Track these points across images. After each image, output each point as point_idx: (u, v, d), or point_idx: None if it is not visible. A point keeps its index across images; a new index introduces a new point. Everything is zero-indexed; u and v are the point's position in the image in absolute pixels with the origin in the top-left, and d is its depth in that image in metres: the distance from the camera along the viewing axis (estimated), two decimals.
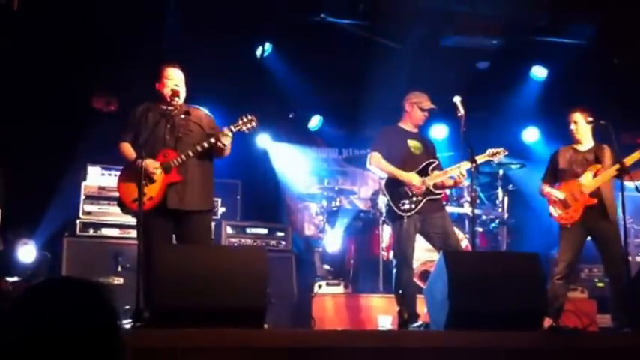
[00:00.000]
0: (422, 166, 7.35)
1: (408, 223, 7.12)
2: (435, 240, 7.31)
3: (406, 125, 7.57)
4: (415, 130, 7.59)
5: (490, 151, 7.52)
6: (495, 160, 7.62)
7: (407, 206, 7.16)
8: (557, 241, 7.49)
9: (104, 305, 2.06)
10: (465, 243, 8.69)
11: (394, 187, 7.27)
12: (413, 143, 7.47)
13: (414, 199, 7.16)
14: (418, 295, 7.20)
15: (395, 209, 7.18)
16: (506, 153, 7.72)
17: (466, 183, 8.67)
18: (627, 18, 9.50)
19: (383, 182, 7.54)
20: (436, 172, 7.36)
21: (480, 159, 7.32)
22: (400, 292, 7.18)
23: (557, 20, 10.03)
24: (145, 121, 6.44)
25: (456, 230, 8.73)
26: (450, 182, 7.43)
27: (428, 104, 7.47)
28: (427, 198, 7.22)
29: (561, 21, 10.08)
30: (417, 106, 7.48)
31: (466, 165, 7.22)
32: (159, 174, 6.24)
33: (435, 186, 7.30)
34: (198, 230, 6.42)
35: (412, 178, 7.21)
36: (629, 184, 7.19)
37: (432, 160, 7.43)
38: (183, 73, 6.58)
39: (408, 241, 7.17)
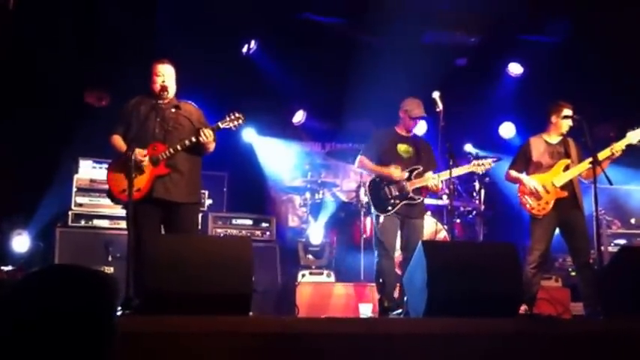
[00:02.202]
0: (406, 172, 7.64)
1: (385, 220, 7.52)
2: (402, 241, 7.72)
3: (400, 129, 7.87)
4: (408, 135, 7.87)
5: (475, 162, 7.83)
6: (479, 171, 7.85)
7: (385, 207, 7.55)
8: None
9: (102, 292, 2.19)
10: (443, 234, 8.91)
11: (376, 189, 7.66)
12: (403, 147, 7.77)
13: (392, 201, 7.53)
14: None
15: (374, 209, 7.61)
16: (493, 164, 8.06)
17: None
18: (601, 15, 9.67)
19: (367, 182, 7.90)
20: (418, 179, 7.64)
21: (465, 169, 7.83)
22: (381, 280, 7.48)
23: (534, 18, 10.21)
24: (137, 114, 6.59)
25: (435, 221, 8.97)
26: (427, 189, 7.73)
27: (417, 113, 7.75)
28: (404, 202, 7.57)
29: (537, 18, 10.26)
30: (407, 115, 7.77)
31: (443, 175, 7.56)
32: (146, 165, 6.39)
33: (414, 191, 7.62)
34: (185, 222, 6.56)
35: (393, 171, 7.53)
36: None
37: (416, 166, 7.70)
38: (174, 67, 6.72)
39: (387, 235, 7.53)
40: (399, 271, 8.11)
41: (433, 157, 8.01)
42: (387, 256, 7.54)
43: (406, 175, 7.60)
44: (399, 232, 7.69)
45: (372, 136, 8.05)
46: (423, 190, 7.75)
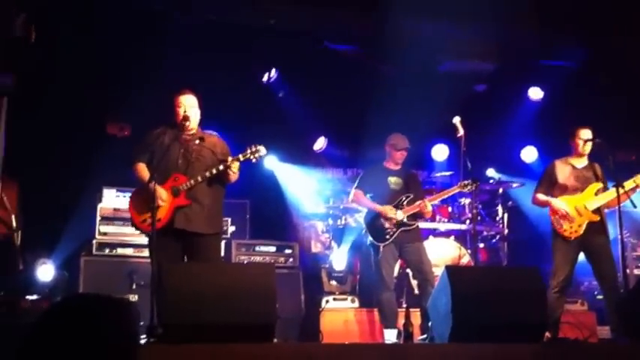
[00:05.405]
0: (397, 200, 7.96)
1: (385, 251, 7.80)
2: (410, 266, 8.07)
3: (388, 164, 8.23)
4: (397, 167, 8.22)
5: (462, 182, 7.93)
6: (466, 191, 7.93)
7: (383, 237, 7.83)
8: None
9: (126, 320, 2.22)
10: (467, 259, 8.90)
11: (371, 220, 7.97)
12: (393, 179, 8.13)
13: (389, 230, 7.81)
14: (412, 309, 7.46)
15: (372, 240, 7.85)
16: (477, 184, 8.07)
17: (467, 200, 8.93)
18: (617, 40, 9.69)
19: (362, 216, 8.24)
20: (410, 206, 7.92)
21: (453, 191, 8.11)
22: (384, 313, 7.85)
23: (549, 44, 10.26)
24: (160, 144, 6.62)
25: (459, 246, 8.98)
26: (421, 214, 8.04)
27: (402, 145, 8.10)
28: (401, 229, 7.87)
29: (553, 45, 10.30)
30: (393, 148, 8.10)
31: (429, 200, 7.93)
32: (166, 198, 6.41)
33: (409, 217, 7.90)
34: (207, 252, 6.56)
35: (386, 209, 7.87)
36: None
37: (407, 194, 8.00)
38: (197, 97, 6.75)
39: (386, 268, 7.83)
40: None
41: (420, 186, 8.54)
42: (387, 289, 7.87)
43: (399, 215, 7.86)
44: (397, 263, 8.14)
45: (363, 172, 8.49)
46: (418, 215, 8.05)
